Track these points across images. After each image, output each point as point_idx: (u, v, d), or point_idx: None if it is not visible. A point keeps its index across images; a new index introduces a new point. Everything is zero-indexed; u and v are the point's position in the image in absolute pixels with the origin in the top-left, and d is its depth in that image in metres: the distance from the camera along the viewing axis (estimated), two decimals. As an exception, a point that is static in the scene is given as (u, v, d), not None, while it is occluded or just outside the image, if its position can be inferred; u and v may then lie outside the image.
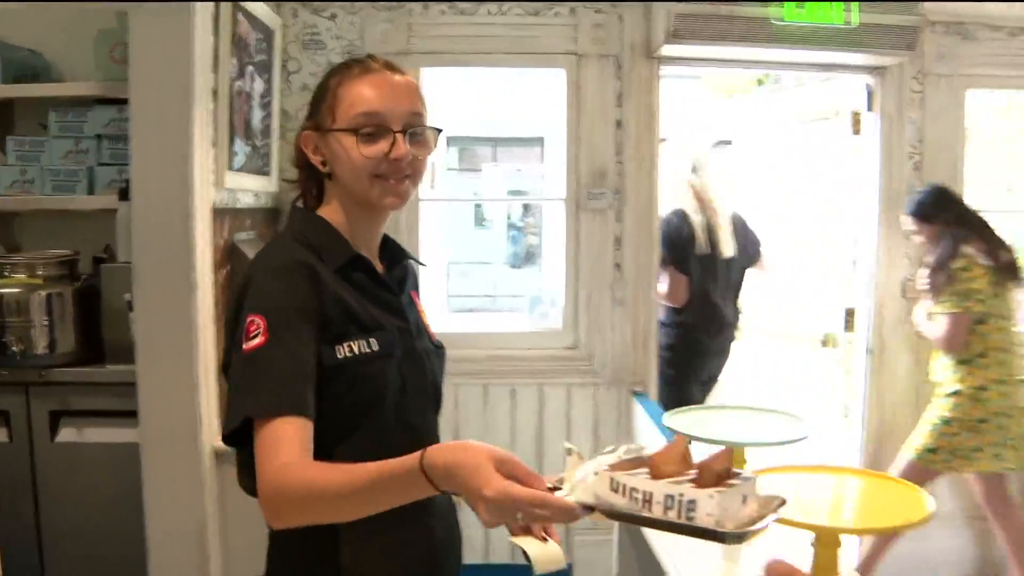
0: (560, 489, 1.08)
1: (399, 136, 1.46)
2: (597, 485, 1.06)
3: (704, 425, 2.12)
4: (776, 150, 4.88)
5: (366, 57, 1.54)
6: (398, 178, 1.48)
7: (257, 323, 1.34)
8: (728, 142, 5.91)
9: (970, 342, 3.69)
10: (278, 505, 1.27)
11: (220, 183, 3.01)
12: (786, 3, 3.55)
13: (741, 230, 4.50)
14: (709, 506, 0.97)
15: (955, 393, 3.72)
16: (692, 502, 0.98)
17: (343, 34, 3.84)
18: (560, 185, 4.12)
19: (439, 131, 1.55)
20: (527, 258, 12.31)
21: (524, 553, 1.53)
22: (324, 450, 1.33)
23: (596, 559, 3.93)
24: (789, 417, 2.21)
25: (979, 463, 3.70)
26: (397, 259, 1.66)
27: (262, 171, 3.51)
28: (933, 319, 3.80)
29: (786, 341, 4.73)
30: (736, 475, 1.04)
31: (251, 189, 3.41)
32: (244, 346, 1.35)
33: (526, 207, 12.14)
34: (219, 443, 2.76)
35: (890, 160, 4.19)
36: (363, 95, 1.46)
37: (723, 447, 1.07)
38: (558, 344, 4.11)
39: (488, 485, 1.05)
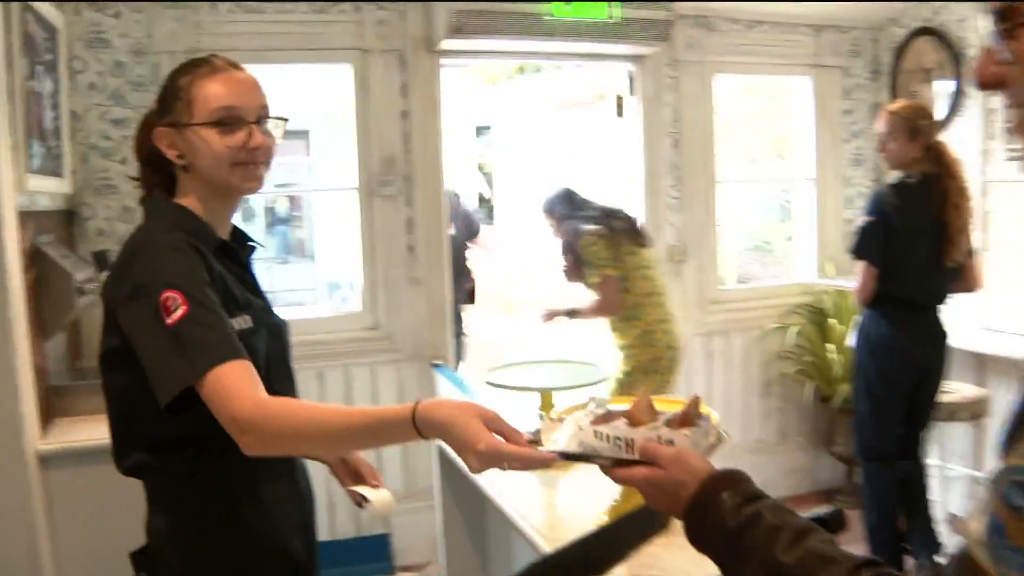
0: (539, 443, 1.28)
1: (254, 127, 1.64)
2: (583, 435, 1.25)
3: (519, 377, 2.42)
4: (539, 133, 5.23)
5: (210, 56, 1.69)
6: (255, 164, 1.66)
7: (174, 297, 1.46)
8: (487, 127, 6.30)
9: (624, 300, 4.09)
10: (267, 431, 1.39)
11: (22, 186, 3.00)
12: (555, 1, 3.89)
13: (459, 210, 4.96)
14: (685, 443, 1.18)
15: (626, 347, 4.14)
16: (670, 441, 1.18)
17: (129, 32, 3.83)
18: (329, 176, 4.32)
19: (286, 120, 1.73)
20: (297, 251, 12.27)
21: (363, 498, 1.78)
22: (202, 419, 1.45)
23: (414, 525, 4.20)
24: (585, 365, 2.54)
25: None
26: (242, 243, 1.82)
27: (56, 173, 3.49)
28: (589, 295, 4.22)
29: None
30: (700, 417, 1.24)
31: (48, 191, 3.39)
32: (167, 320, 1.45)
33: (291, 199, 12.12)
34: (43, 446, 2.81)
35: (651, 139, 4.66)
36: (218, 92, 1.62)
37: (692, 398, 1.29)
38: (359, 325, 4.31)
39: (480, 440, 1.23)
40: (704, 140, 4.80)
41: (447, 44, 4.09)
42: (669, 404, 1.34)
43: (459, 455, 1.29)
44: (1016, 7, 0.88)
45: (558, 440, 1.27)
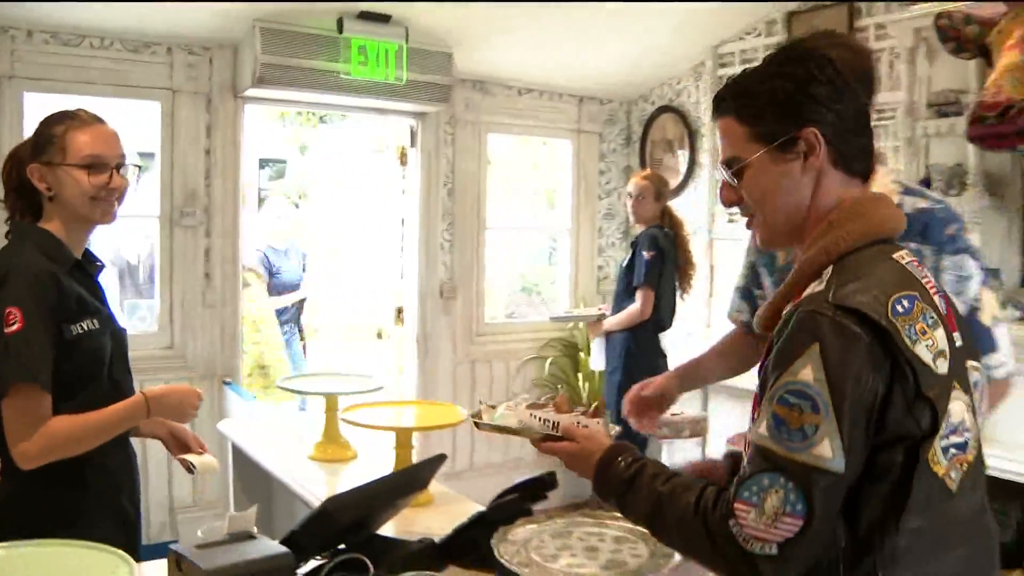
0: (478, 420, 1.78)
1: (115, 171, 2.07)
2: (521, 415, 1.71)
3: (309, 385, 2.91)
4: (334, 175, 5.68)
5: (79, 111, 2.10)
6: (111, 201, 2.09)
7: (15, 313, 1.89)
8: (283, 161, 6.64)
9: None
10: (43, 454, 1.92)
11: None
12: (352, 62, 4.41)
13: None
14: (598, 427, 1.62)
15: None
16: (586, 425, 1.64)
17: (-60, 57, 3.99)
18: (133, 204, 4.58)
19: (140, 168, 2.17)
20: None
21: (191, 464, 2.22)
22: (55, 405, 1.92)
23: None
24: (364, 377, 3.05)
25: None
26: (92, 262, 2.24)
27: None
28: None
29: (348, 334, 5.60)
30: (602, 412, 1.66)
31: None
32: (5, 330, 1.89)
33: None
34: None
35: (429, 187, 5.24)
36: (88, 141, 2.04)
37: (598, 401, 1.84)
38: (156, 344, 4.61)
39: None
40: (476, 190, 5.45)
41: (251, 92, 4.51)
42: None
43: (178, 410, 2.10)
44: (736, 158, 1.42)
45: (496, 418, 1.72)
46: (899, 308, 1.26)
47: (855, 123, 1.41)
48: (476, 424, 1.78)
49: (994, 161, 3.63)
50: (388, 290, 5.41)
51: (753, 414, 1.35)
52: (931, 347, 1.27)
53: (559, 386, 5.76)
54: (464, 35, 4.79)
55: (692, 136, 5.63)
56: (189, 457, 2.26)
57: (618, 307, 4.70)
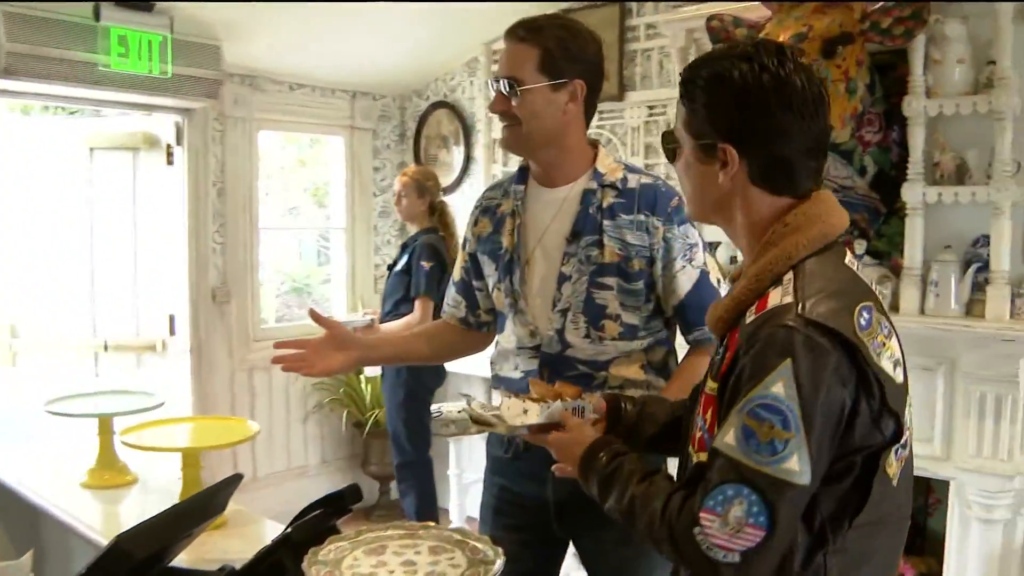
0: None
1: None
2: (512, 410, 1.78)
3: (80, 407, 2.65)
4: (65, 175, 5.07)
5: None
6: None
7: None
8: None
9: None
10: None
11: None
12: (112, 53, 4.09)
13: None
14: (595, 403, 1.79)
15: None
16: (580, 408, 1.76)
17: None
18: None
19: None
20: None
21: None
22: None
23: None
24: (145, 394, 2.83)
25: None
26: None
27: None
28: None
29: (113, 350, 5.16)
30: (580, 393, 1.81)
31: None
32: None
33: None
34: None
35: (197, 186, 4.95)
36: None
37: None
38: None
39: None
40: (247, 190, 5.21)
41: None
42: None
43: None
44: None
45: (521, 417, 1.76)
46: (862, 322, 1.30)
47: (785, 146, 1.44)
48: (473, 420, 1.84)
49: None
50: (158, 298, 5.06)
51: (703, 415, 1.41)
52: (891, 357, 1.33)
53: (341, 389, 5.63)
54: (233, 27, 4.55)
55: (467, 132, 5.63)
56: None
57: (394, 312, 4.64)
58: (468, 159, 5.64)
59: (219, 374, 5.09)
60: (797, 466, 1.23)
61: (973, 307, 3.23)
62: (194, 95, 4.56)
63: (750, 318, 1.35)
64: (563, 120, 2.13)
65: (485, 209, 2.33)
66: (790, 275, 1.35)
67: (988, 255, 3.18)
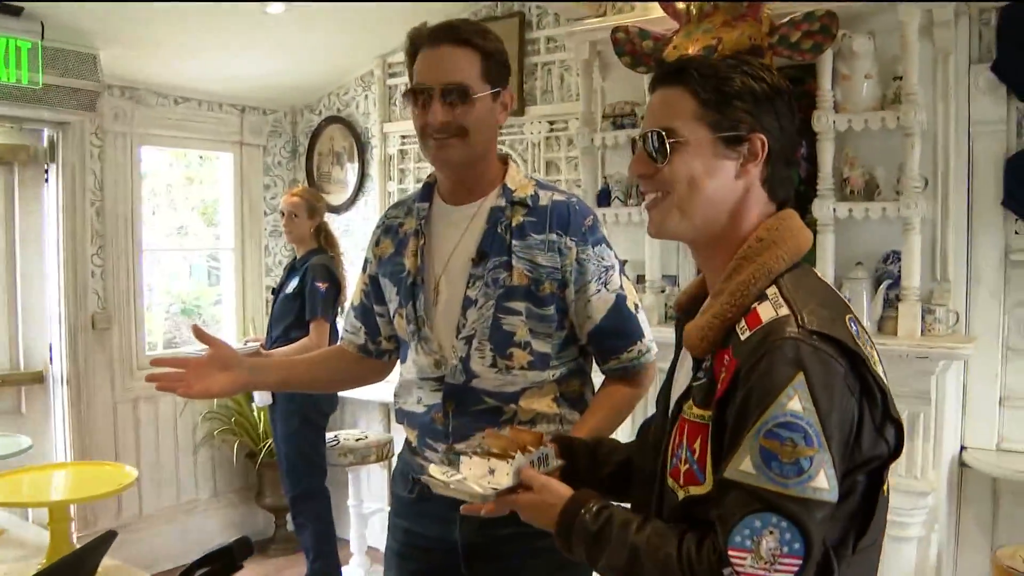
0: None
1: None
2: (474, 471, 1.55)
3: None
4: None
5: None
6: None
7: None
8: None
9: None
10: None
11: None
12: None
13: None
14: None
15: None
16: (544, 457, 1.59)
17: None
18: None
19: None
20: None
21: None
22: None
23: None
24: (10, 437, 2.57)
25: None
26: None
27: None
28: None
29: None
30: (544, 440, 1.62)
31: None
32: None
33: None
34: None
35: (73, 205, 4.63)
36: None
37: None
38: None
39: None
40: (128, 209, 4.91)
41: None
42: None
43: None
44: (674, 131, 1.35)
45: (488, 478, 1.55)
46: (853, 331, 1.26)
47: (791, 150, 1.41)
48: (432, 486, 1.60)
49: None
50: (38, 326, 4.70)
51: (688, 446, 1.32)
52: (880, 367, 1.30)
53: (232, 419, 5.35)
54: (112, 35, 4.27)
55: (361, 148, 5.45)
56: None
57: (284, 337, 4.43)
58: (363, 176, 5.45)
59: (100, 406, 4.75)
60: (825, 483, 1.17)
61: (885, 324, 3.21)
62: (69, 107, 4.27)
63: (744, 334, 1.28)
64: (496, 132, 2.01)
65: (387, 229, 2.14)
66: (773, 289, 1.30)
67: (899, 271, 3.17)
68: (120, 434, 4.86)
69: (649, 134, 1.39)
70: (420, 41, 1.94)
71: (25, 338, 4.65)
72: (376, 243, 2.15)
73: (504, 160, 2.07)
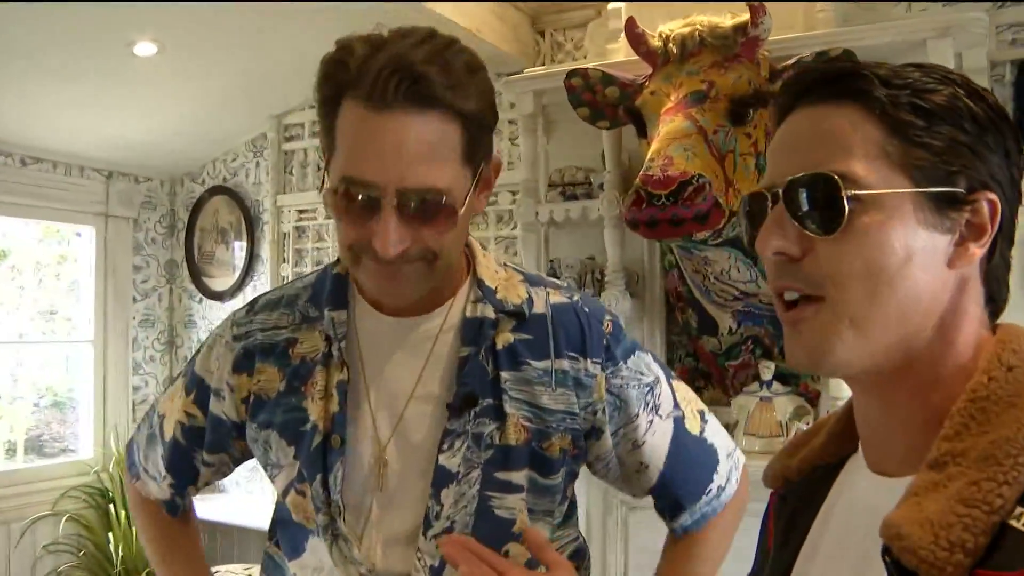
0: None
1: None
2: None
3: None
4: None
5: None
6: None
7: None
8: None
9: None
10: None
11: None
12: None
13: None
14: None
15: None
16: None
17: None
18: None
19: None
20: None
21: None
22: None
23: None
24: None
25: None
26: None
27: None
28: None
29: None
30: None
31: None
32: None
33: None
34: None
35: None
36: None
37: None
38: None
39: None
40: None
41: None
42: None
43: None
44: (853, 178, 0.74)
45: None
46: None
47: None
48: None
49: (633, 255, 2.97)
50: None
51: None
52: None
53: (82, 552, 4.35)
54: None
55: (251, 224, 4.63)
56: None
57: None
58: (252, 257, 4.62)
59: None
60: None
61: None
62: None
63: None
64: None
65: (265, 348, 1.28)
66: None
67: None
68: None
69: (805, 183, 0.76)
70: (357, 81, 1.08)
71: None
72: (239, 368, 1.29)
73: (466, 245, 1.28)
